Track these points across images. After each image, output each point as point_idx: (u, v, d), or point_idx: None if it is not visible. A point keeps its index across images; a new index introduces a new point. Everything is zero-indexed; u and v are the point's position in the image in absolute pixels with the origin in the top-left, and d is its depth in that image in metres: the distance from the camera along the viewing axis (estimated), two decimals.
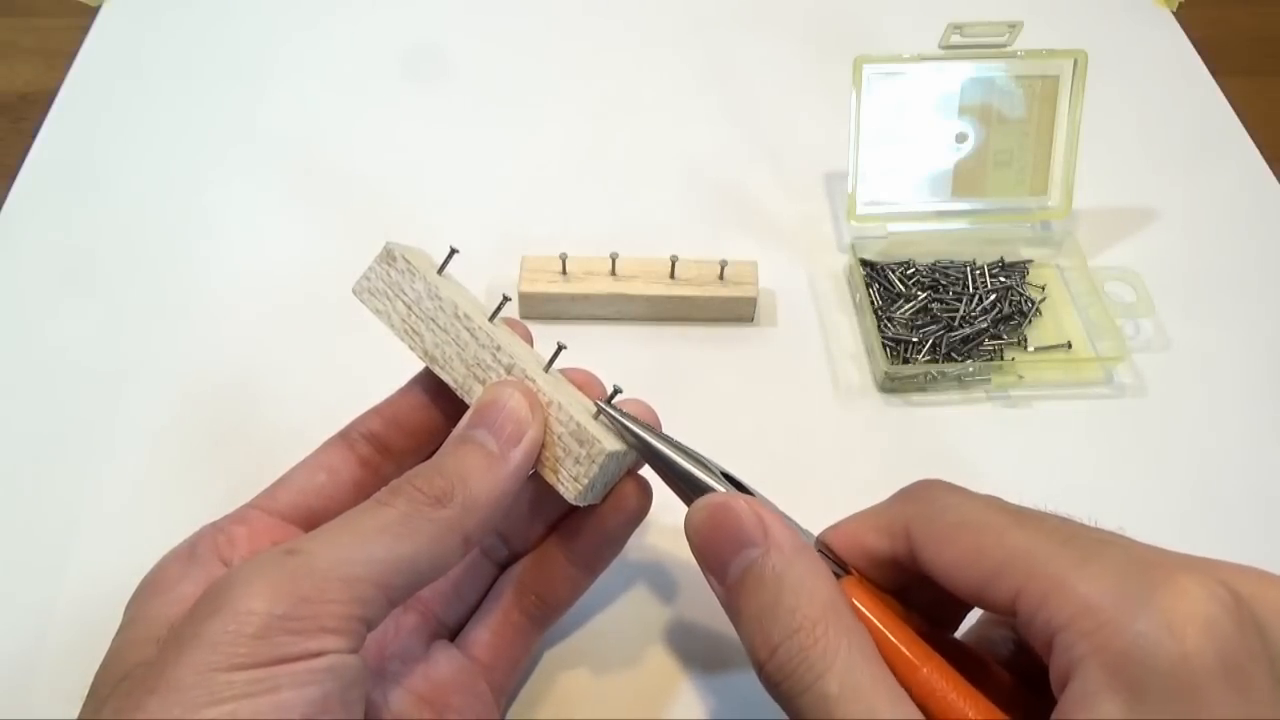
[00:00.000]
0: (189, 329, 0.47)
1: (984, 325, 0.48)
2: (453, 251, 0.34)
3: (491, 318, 0.33)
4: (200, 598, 0.25)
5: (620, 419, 0.32)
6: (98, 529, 0.40)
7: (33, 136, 0.55)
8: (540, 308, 0.48)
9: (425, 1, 0.65)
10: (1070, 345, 0.48)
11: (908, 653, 0.27)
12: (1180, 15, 0.66)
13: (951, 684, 0.26)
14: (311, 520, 0.32)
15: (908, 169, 0.51)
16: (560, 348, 0.33)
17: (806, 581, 0.27)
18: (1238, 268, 0.52)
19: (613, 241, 0.48)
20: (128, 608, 0.29)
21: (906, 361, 0.47)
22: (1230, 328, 0.49)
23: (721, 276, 0.48)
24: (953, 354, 0.47)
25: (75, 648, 0.36)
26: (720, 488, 0.31)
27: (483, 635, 0.34)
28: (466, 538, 0.28)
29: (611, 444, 0.31)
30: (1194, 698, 0.22)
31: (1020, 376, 0.46)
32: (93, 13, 0.63)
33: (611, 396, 0.33)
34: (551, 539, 0.35)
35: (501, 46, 0.63)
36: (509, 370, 0.31)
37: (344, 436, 0.34)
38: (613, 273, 0.47)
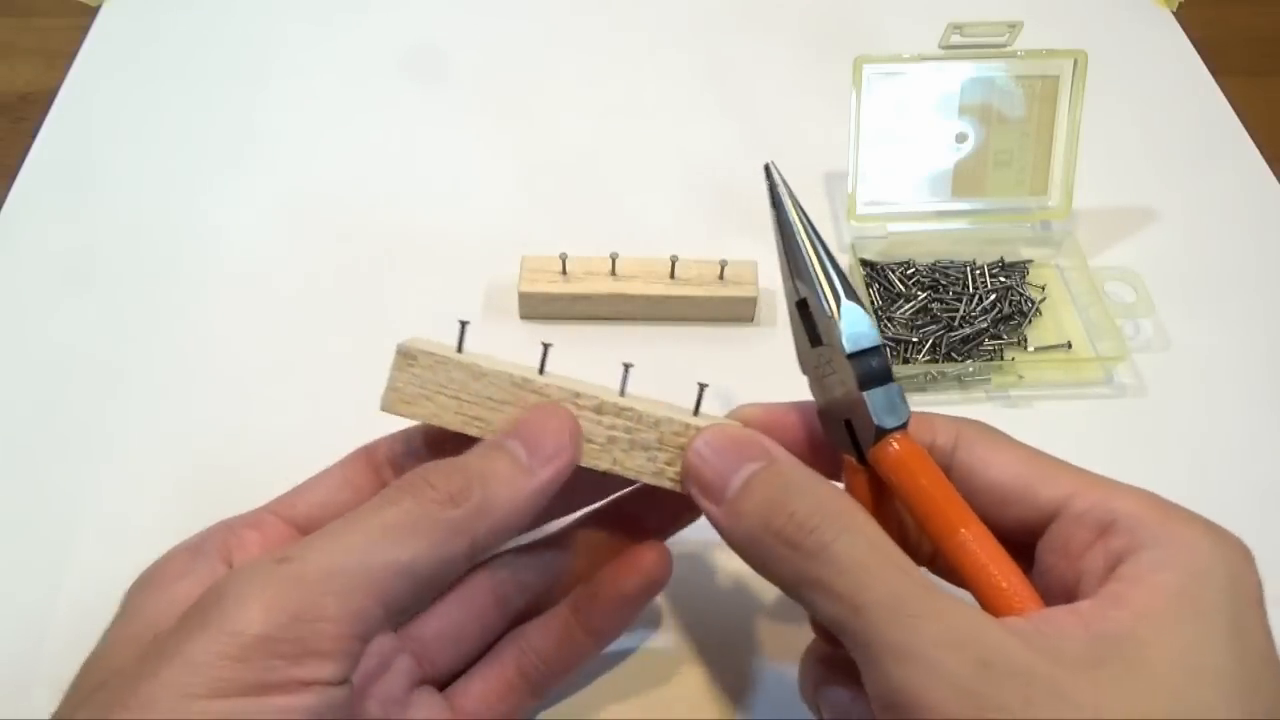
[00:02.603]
0: (189, 329, 0.47)
1: (984, 325, 0.48)
2: (464, 325, 0.31)
3: (539, 370, 0.31)
4: (191, 607, 0.25)
5: (779, 183, 0.31)
6: (98, 529, 0.40)
7: (33, 136, 0.55)
8: (540, 308, 0.48)
9: (426, 2, 0.65)
10: (1070, 345, 0.48)
11: (949, 512, 0.28)
12: (1180, 15, 0.66)
13: (987, 551, 0.27)
14: None
15: (908, 169, 0.51)
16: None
17: (809, 478, 0.29)
18: (1238, 268, 0.52)
19: (613, 241, 0.48)
20: (125, 597, 0.29)
21: (906, 361, 0.47)
22: (1230, 328, 0.49)
23: (721, 276, 0.48)
24: (953, 354, 0.47)
25: (75, 648, 0.36)
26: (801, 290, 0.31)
27: (474, 686, 0.33)
28: (474, 543, 0.27)
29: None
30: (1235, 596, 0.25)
31: (1020, 376, 0.46)
32: (93, 13, 0.63)
33: (701, 394, 0.32)
34: (565, 601, 0.34)
35: (502, 47, 0.63)
36: (597, 411, 0.30)
37: (369, 454, 0.32)
38: (613, 273, 0.47)
